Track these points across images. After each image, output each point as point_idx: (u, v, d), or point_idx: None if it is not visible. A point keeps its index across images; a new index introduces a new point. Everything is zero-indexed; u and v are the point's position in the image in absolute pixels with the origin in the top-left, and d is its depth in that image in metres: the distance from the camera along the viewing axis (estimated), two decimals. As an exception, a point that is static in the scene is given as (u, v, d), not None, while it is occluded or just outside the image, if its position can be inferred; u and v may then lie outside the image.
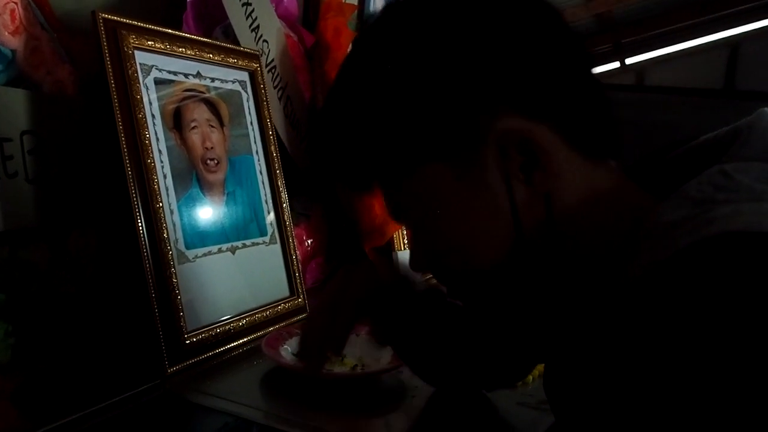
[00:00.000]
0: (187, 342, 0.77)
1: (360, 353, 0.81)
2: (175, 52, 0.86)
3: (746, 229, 0.35)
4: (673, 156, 0.54)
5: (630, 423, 0.35)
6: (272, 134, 1.03)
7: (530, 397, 0.70)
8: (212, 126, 0.91)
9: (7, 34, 0.69)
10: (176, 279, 0.78)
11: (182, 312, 0.78)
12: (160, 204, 0.78)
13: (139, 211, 0.75)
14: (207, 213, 0.88)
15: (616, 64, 5.00)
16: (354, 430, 0.66)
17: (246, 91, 1.00)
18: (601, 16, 3.70)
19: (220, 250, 0.88)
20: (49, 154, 0.73)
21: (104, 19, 0.75)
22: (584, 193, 0.47)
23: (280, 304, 0.96)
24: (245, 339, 0.87)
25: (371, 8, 1.31)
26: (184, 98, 0.87)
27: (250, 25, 1.03)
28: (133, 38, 0.79)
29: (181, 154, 0.85)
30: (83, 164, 0.77)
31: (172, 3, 0.95)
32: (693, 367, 0.32)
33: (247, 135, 1.00)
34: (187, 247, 0.82)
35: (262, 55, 1.05)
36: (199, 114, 0.89)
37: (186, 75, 0.88)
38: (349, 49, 0.61)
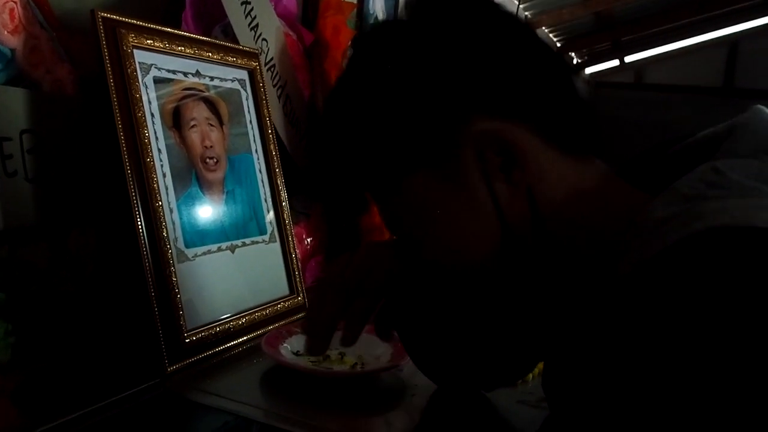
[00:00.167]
0: (187, 341, 0.77)
1: (360, 351, 0.81)
2: (175, 50, 0.86)
3: (733, 224, 0.35)
4: (671, 153, 0.54)
5: (621, 420, 0.36)
6: (271, 133, 1.03)
7: (530, 395, 0.70)
8: (211, 125, 0.91)
9: (6, 33, 0.69)
10: (176, 278, 0.78)
11: (182, 311, 0.78)
12: (160, 203, 0.78)
13: (138, 210, 0.75)
14: (206, 212, 0.88)
15: (616, 62, 5.01)
16: (354, 428, 0.66)
17: (245, 90, 1.00)
18: (600, 14, 3.69)
19: (219, 249, 0.88)
20: (49, 153, 0.73)
21: (103, 18, 0.75)
22: (568, 189, 0.49)
23: (279, 303, 0.96)
24: (245, 337, 0.87)
25: (370, 7, 1.31)
26: (184, 97, 0.87)
27: (249, 24, 1.03)
28: (132, 37, 0.79)
29: (181, 152, 0.85)
30: (83, 163, 0.77)
31: (172, 2, 0.95)
32: (680, 363, 0.32)
33: (247, 134, 1.00)
34: (187, 246, 0.82)
35: (261, 53, 1.05)
36: (199, 113, 0.89)
37: (185, 74, 0.88)
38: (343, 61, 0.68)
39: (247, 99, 1.00)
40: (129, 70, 0.77)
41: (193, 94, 0.89)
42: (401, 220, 0.54)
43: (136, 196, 0.75)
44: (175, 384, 0.73)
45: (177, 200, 0.82)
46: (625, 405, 0.35)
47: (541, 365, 0.72)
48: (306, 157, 1.16)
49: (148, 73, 0.82)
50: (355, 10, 1.26)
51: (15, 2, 0.70)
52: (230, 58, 0.97)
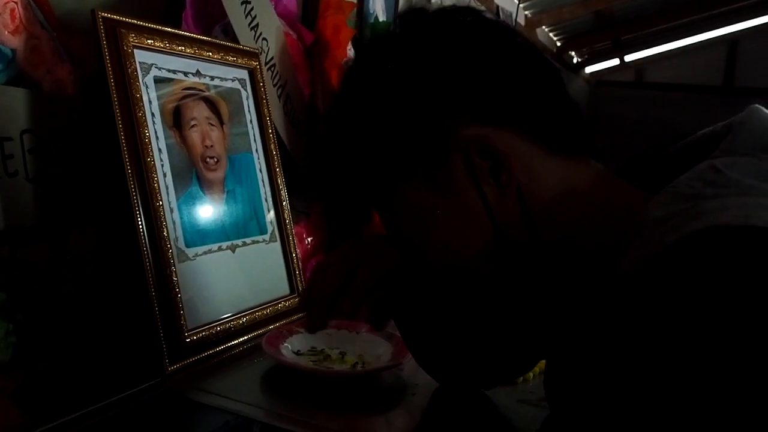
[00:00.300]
0: (188, 340, 0.77)
1: (360, 351, 0.81)
2: (175, 50, 0.86)
3: (732, 224, 0.35)
4: (671, 151, 0.54)
5: (622, 419, 0.36)
6: (272, 132, 1.03)
7: (531, 394, 0.70)
8: (212, 124, 0.91)
9: (7, 33, 0.69)
10: (176, 277, 0.78)
11: (182, 310, 0.78)
12: (160, 202, 0.78)
13: (139, 210, 0.75)
14: (207, 211, 0.88)
15: (616, 61, 5.01)
16: (354, 427, 0.66)
17: (245, 90, 1.00)
18: (601, 13, 3.69)
19: (220, 248, 0.88)
20: (49, 153, 0.73)
21: (104, 18, 0.75)
22: (560, 190, 0.50)
23: (280, 302, 0.96)
24: (245, 337, 0.87)
25: (370, 6, 1.31)
26: (184, 97, 0.87)
27: (250, 24, 1.03)
28: (132, 37, 0.79)
29: (181, 152, 0.85)
30: (83, 163, 0.77)
31: (172, 2, 0.95)
32: (680, 363, 0.33)
33: (247, 133, 1.00)
34: (187, 246, 0.82)
35: (261, 53, 1.05)
36: (199, 112, 0.89)
37: (185, 73, 0.88)
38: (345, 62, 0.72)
39: (247, 98, 1.00)
40: (129, 70, 0.78)
41: (193, 93, 0.89)
42: (398, 227, 0.56)
43: (136, 195, 0.76)
44: (176, 383, 0.73)
45: (177, 200, 0.82)
46: (627, 405, 0.35)
47: (541, 364, 0.72)
48: (306, 157, 1.16)
49: (148, 73, 0.82)
50: (355, 9, 1.26)
51: (15, 2, 0.70)
52: (230, 58, 0.97)
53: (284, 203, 1.02)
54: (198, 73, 0.91)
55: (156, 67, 0.83)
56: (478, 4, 2.00)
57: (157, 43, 0.83)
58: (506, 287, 0.52)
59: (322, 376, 0.74)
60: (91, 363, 0.75)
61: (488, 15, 0.55)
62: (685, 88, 5.03)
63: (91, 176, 0.78)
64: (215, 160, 0.90)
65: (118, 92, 0.76)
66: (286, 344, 0.81)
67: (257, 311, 0.91)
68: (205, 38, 0.93)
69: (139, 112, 0.78)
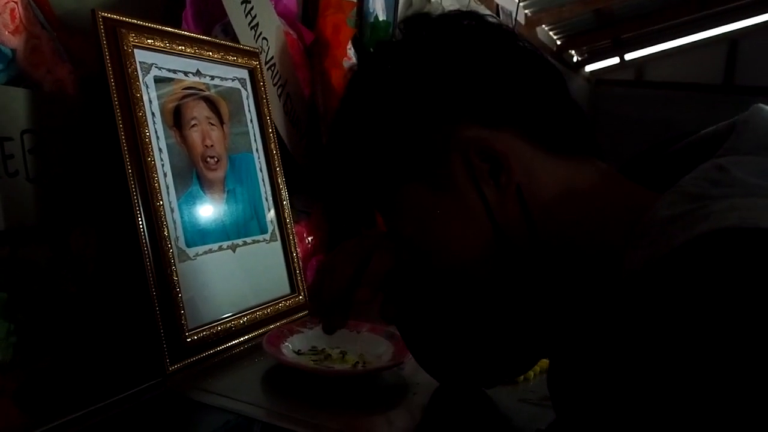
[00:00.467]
0: (188, 340, 0.77)
1: (361, 350, 0.81)
2: (175, 50, 0.86)
3: (740, 225, 0.35)
4: (674, 150, 0.54)
5: (628, 419, 0.36)
6: (272, 132, 1.03)
7: (532, 394, 0.70)
8: (212, 124, 0.91)
9: (7, 33, 0.69)
10: (177, 277, 0.78)
11: (183, 310, 0.78)
12: (161, 202, 0.78)
13: (139, 210, 0.75)
14: (207, 211, 0.88)
15: (616, 60, 5.01)
16: (355, 427, 0.66)
17: (246, 89, 1.00)
18: (600, 12, 3.69)
19: (220, 248, 0.88)
20: (50, 152, 0.73)
21: (104, 17, 0.75)
22: (560, 190, 0.50)
23: (281, 302, 0.96)
24: (246, 337, 0.87)
25: (370, 5, 1.31)
26: (184, 96, 0.87)
27: (250, 23, 1.03)
28: (132, 37, 0.79)
29: (182, 152, 0.85)
30: (84, 163, 0.77)
31: (172, 1, 0.95)
32: (687, 365, 0.33)
33: (247, 132, 1.00)
34: (188, 245, 0.82)
35: (261, 52, 1.05)
36: (199, 112, 0.89)
37: (186, 73, 0.88)
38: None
39: (247, 98, 1.00)
40: (129, 70, 0.78)
41: (193, 93, 0.89)
42: (399, 227, 0.56)
43: (137, 195, 0.76)
44: (177, 383, 0.73)
45: (178, 199, 0.82)
46: (633, 405, 0.35)
47: (542, 363, 0.72)
48: (306, 156, 1.16)
49: (148, 73, 0.82)
50: (355, 8, 1.26)
51: (16, 2, 0.70)
52: (230, 57, 0.97)
53: (285, 202, 1.02)
54: (198, 73, 0.91)
55: (156, 67, 0.83)
56: (478, 4, 2.00)
57: (157, 43, 0.83)
58: (506, 287, 0.52)
59: (322, 375, 0.74)
60: (92, 363, 0.75)
61: (490, 19, 0.55)
62: (685, 86, 5.04)
63: (92, 176, 0.78)
64: (215, 159, 0.90)
65: (119, 92, 0.76)
66: (286, 344, 0.81)
67: (258, 311, 0.91)
68: (205, 38, 0.93)
69: (139, 112, 0.78)
